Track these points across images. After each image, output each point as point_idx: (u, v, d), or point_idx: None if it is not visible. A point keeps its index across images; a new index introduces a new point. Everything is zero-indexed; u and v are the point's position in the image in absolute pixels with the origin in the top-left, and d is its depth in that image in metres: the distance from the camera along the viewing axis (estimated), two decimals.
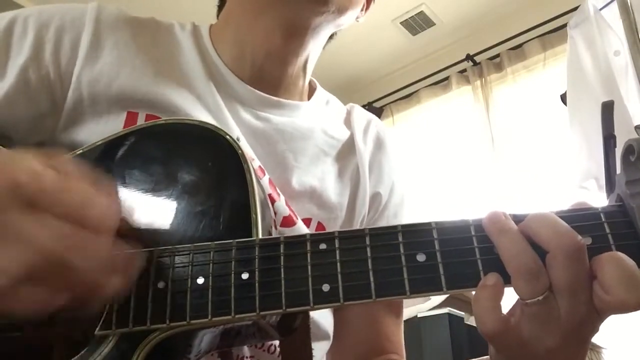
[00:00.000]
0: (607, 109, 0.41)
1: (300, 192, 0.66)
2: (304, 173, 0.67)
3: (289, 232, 0.60)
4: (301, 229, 0.62)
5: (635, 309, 0.36)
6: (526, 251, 0.38)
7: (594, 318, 0.38)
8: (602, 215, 0.40)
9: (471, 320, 1.98)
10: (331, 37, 0.75)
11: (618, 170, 0.42)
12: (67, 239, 0.34)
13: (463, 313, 2.04)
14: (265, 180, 0.61)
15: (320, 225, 0.67)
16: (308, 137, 0.70)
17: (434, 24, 3.28)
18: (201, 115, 0.62)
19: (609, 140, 0.42)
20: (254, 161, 0.62)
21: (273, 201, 0.60)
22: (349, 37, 3.24)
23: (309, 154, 0.69)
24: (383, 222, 0.73)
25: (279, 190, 0.63)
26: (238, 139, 0.61)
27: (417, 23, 3.27)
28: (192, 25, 0.71)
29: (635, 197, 0.39)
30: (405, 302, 2.00)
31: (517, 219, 0.40)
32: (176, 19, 0.72)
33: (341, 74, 3.57)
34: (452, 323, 1.99)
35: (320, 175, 0.68)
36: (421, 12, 3.18)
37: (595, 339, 1.97)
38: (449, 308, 2.01)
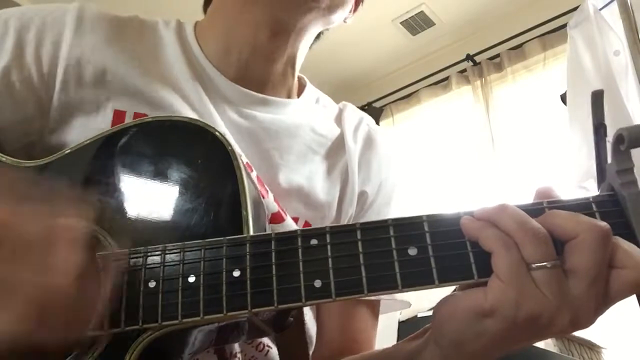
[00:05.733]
0: (597, 98, 0.41)
1: (288, 190, 0.65)
2: (290, 171, 0.66)
3: (278, 228, 0.60)
4: (290, 225, 0.62)
5: None
6: (531, 220, 0.38)
7: (600, 307, 0.38)
8: (593, 205, 0.40)
9: None
10: (318, 36, 0.74)
11: (609, 160, 0.41)
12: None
13: None
14: (253, 176, 0.61)
15: (307, 225, 0.66)
16: (295, 135, 0.69)
17: (434, 24, 3.28)
18: (187, 113, 0.62)
19: (599, 129, 0.42)
20: (241, 157, 0.62)
21: (262, 198, 0.60)
22: (349, 37, 3.24)
23: (296, 152, 0.68)
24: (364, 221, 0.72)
25: (267, 187, 0.62)
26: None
27: (417, 23, 3.26)
28: (177, 22, 0.70)
29: (626, 186, 0.39)
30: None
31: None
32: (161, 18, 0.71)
33: (341, 74, 3.57)
34: None
35: (307, 174, 0.68)
36: (421, 12, 3.18)
37: (595, 339, 1.96)
38: None
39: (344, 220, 0.70)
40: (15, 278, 0.35)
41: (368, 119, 0.79)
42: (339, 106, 0.79)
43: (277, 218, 0.61)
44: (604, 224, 0.37)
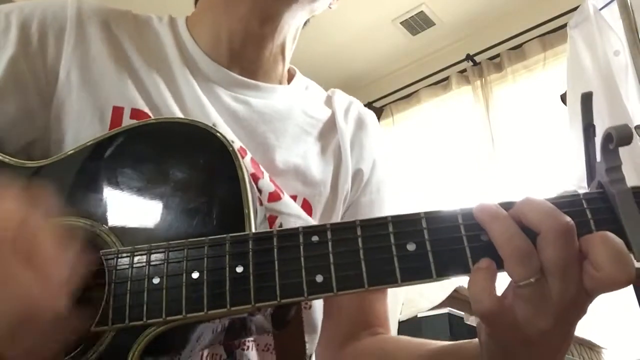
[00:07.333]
0: (586, 100, 0.42)
1: (285, 170, 0.67)
2: (286, 152, 0.69)
3: (277, 206, 0.62)
4: (288, 202, 0.63)
5: (624, 285, 0.37)
6: (517, 234, 0.39)
7: (583, 299, 0.39)
8: (583, 202, 0.41)
9: (471, 320, 1.98)
10: (306, 22, 0.76)
11: (598, 159, 0.43)
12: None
13: (463, 313, 2.03)
14: (247, 159, 0.62)
15: (305, 202, 0.68)
16: (287, 118, 0.71)
17: (434, 24, 3.29)
18: (176, 103, 0.63)
19: (588, 129, 0.43)
20: (235, 143, 0.63)
21: (257, 179, 0.61)
22: (349, 38, 3.25)
23: (290, 134, 0.70)
24: (366, 198, 0.74)
25: (262, 168, 0.64)
26: (214, 125, 0.62)
27: (417, 23, 3.27)
28: (169, 17, 0.73)
29: (615, 183, 0.40)
30: (406, 302, 1.99)
31: (506, 207, 0.41)
32: (155, 13, 0.73)
33: (341, 74, 3.58)
34: (452, 323, 1.99)
35: (302, 154, 0.70)
36: (421, 12, 3.18)
37: (595, 339, 1.97)
38: (449, 308, 2.01)
39: (341, 198, 0.72)
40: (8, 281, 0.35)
41: (357, 103, 0.82)
42: (328, 92, 0.81)
43: (274, 197, 0.62)
44: (565, 220, 0.38)
